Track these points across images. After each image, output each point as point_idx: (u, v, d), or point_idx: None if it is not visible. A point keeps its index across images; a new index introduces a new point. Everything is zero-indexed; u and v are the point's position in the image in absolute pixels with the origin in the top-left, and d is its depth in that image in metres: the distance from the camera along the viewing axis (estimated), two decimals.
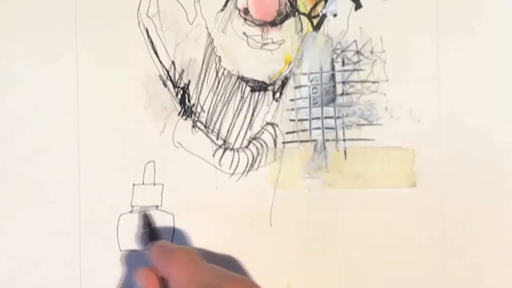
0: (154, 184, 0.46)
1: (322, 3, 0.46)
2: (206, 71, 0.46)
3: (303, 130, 0.46)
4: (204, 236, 0.45)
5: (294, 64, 0.46)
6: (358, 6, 0.45)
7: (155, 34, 0.46)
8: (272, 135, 0.46)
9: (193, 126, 0.46)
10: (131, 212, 0.46)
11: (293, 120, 0.46)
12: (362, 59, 0.45)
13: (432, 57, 0.45)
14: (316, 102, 0.45)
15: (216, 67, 0.46)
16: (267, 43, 0.46)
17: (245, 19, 0.46)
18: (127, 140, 0.46)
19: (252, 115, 0.46)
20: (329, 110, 0.45)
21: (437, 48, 0.45)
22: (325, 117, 0.45)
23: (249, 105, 0.46)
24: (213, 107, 0.46)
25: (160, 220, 0.46)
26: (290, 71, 0.46)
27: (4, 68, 0.47)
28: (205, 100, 0.46)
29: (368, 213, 0.45)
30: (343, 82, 0.45)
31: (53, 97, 0.46)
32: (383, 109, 0.45)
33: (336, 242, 0.45)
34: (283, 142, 0.46)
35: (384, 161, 0.45)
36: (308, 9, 0.46)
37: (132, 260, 0.46)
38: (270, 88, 0.46)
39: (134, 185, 0.46)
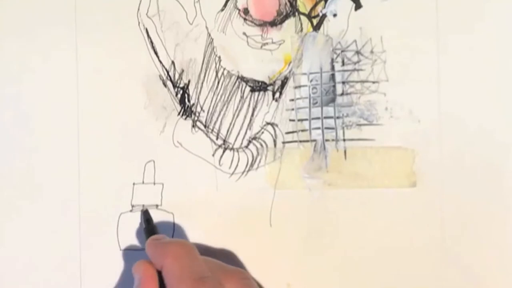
0: (154, 183, 0.46)
1: (322, 3, 0.46)
2: (206, 71, 0.46)
3: (303, 130, 0.46)
4: (203, 235, 0.45)
5: (294, 64, 0.46)
6: (358, 6, 0.45)
7: (155, 34, 0.46)
8: (272, 135, 0.46)
9: (193, 126, 0.46)
10: (131, 211, 0.46)
11: (293, 120, 0.46)
12: (362, 59, 0.45)
13: (432, 57, 0.45)
14: (316, 102, 0.45)
15: (216, 67, 0.46)
16: (267, 43, 0.46)
17: (245, 19, 0.46)
18: (127, 140, 0.46)
19: (252, 115, 0.46)
20: (329, 110, 0.45)
21: (437, 48, 0.45)
22: (325, 117, 0.45)
23: (249, 105, 0.46)
24: (213, 107, 0.46)
25: (160, 219, 0.46)
26: (290, 71, 0.46)
27: (4, 68, 0.47)
28: (205, 100, 0.46)
29: (368, 213, 0.45)
30: (343, 82, 0.45)
31: (53, 96, 0.47)
32: (383, 109, 0.45)
33: (336, 242, 0.45)
34: (283, 142, 0.46)
35: (384, 161, 0.45)
36: (308, 9, 0.46)
37: (132, 259, 0.46)
38: (270, 88, 0.46)
39: (134, 184, 0.46)
